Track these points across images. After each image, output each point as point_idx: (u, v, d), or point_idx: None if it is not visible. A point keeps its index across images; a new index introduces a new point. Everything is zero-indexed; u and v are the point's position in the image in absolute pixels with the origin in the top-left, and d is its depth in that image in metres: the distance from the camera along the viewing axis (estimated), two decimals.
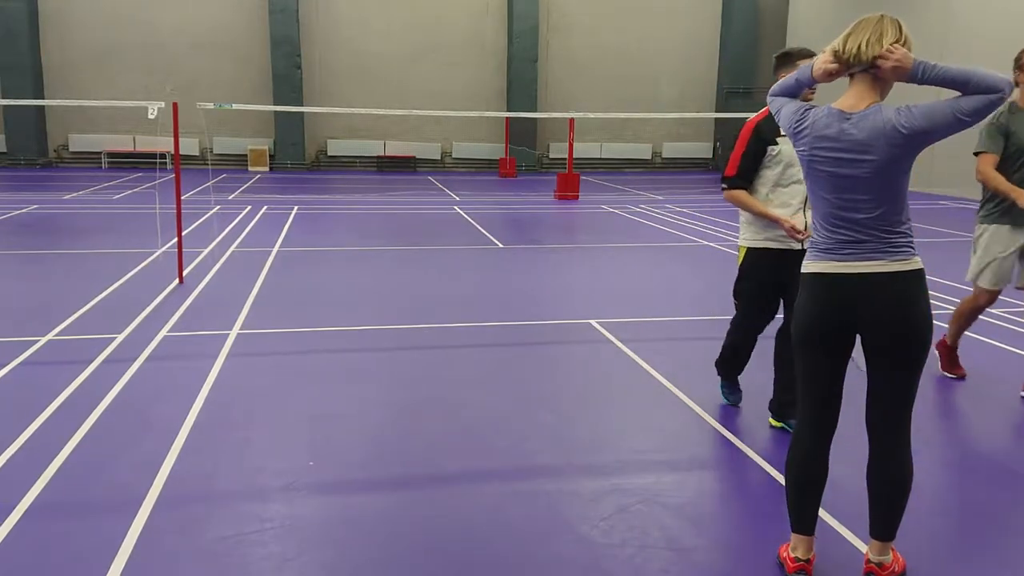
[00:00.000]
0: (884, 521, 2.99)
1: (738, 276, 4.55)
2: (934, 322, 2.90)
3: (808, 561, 3.04)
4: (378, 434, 4.46)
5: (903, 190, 2.82)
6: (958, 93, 2.68)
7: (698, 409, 4.87)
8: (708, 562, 3.20)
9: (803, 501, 3.05)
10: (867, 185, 2.79)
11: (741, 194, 4.32)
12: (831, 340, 2.93)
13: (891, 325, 2.83)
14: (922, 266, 2.85)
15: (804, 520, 3.05)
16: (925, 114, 2.72)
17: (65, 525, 3.40)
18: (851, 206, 2.82)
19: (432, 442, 4.35)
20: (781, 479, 3.93)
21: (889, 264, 2.81)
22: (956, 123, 2.69)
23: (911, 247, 2.83)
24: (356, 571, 3.12)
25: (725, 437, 4.46)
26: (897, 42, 2.79)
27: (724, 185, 4.35)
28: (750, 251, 4.43)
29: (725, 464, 4.14)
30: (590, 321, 6.88)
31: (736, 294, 4.61)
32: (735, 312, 4.69)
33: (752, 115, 4.36)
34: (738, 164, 4.29)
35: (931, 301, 2.88)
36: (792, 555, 3.06)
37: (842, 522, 3.51)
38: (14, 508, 3.51)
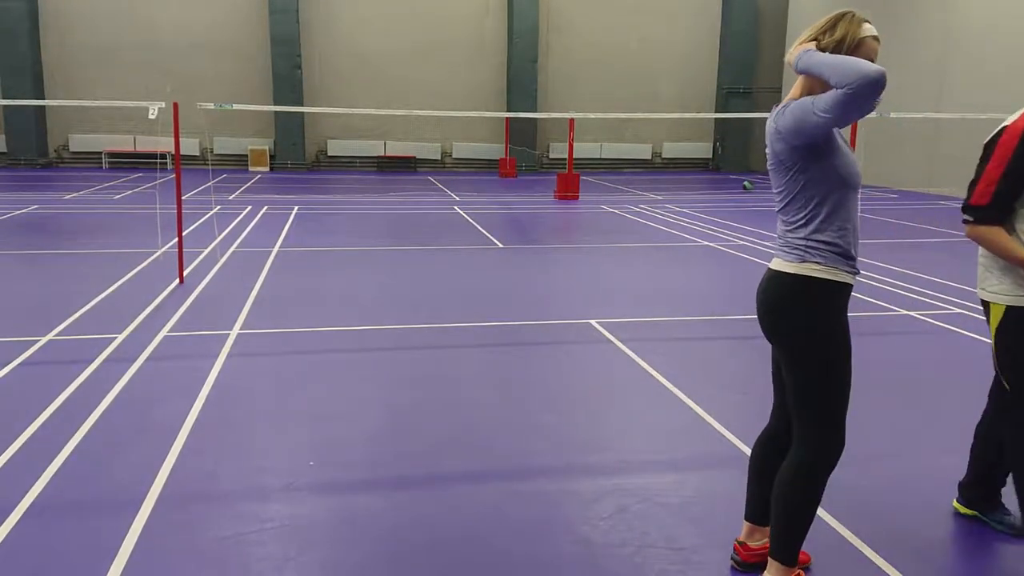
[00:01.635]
0: (759, 510, 3.03)
1: (1002, 345, 3.12)
2: (820, 334, 2.74)
3: (742, 544, 3.14)
4: (378, 434, 4.46)
5: (810, 191, 2.70)
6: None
7: (698, 409, 4.87)
8: (708, 562, 3.20)
9: (749, 479, 3.17)
10: (772, 176, 2.83)
11: (996, 233, 3.00)
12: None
13: (763, 321, 2.88)
14: (811, 274, 2.70)
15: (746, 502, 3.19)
16: (793, 110, 2.64)
17: (65, 525, 3.40)
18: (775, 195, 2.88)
19: (432, 442, 4.35)
20: None
21: (780, 263, 2.80)
22: (818, 120, 2.55)
23: (809, 251, 2.71)
24: (356, 571, 3.12)
25: (725, 437, 4.47)
26: (821, 36, 2.69)
27: (969, 217, 3.07)
28: (1010, 311, 3.07)
29: (725, 464, 4.14)
30: (590, 321, 6.88)
31: (1005, 368, 3.15)
32: (1007, 400, 3.20)
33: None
34: (995, 189, 2.98)
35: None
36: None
37: (842, 522, 3.51)
38: (14, 508, 3.51)
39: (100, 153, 23.64)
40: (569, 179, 17.42)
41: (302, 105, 23.53)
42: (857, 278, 2.80)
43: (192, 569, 3.10)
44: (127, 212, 13.85)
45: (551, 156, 26.21)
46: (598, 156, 26.51)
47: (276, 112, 23.30)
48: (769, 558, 2.91)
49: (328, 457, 4.13)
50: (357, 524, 3.46)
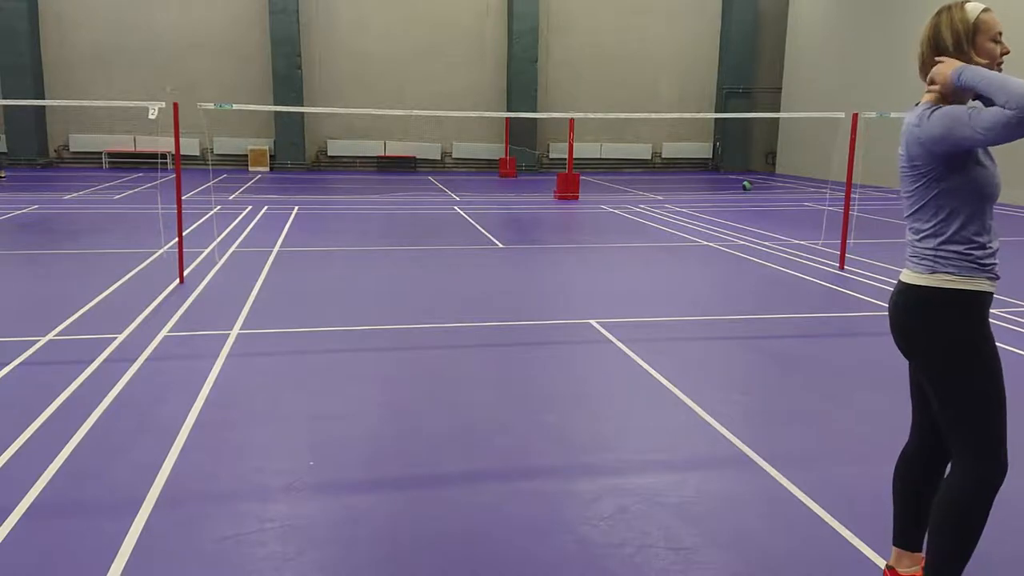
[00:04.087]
0: (907, 535, 2.84)
1: None
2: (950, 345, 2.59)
3: (891, 569, 2.97)
4: (378, 434, 4.46)
5: (942, 201, 2.57)
6: None
7: (698, 409, 4.87)
8: (708, 562, 3.20)
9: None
10: (903, 180, 2.68)
11: None
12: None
13: (898, 340, 2.73)
14: (943, 285, 2.58)
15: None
16: (944, 118, 2.49)
17: (65, 525, 3.40)
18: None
19: (432, 442, 4.35)
20: (780, 478, 3.94)
21: (910, 275, 2.67)
22: (973, 135, 2.42)
23: (939, 261, 2.58)
24: (356, 571, 3.12)
25: (725, 437, 4.47)
26: (938, 45, 2.59)
27: None
28: None
29: (725, 464, 4.14)
30: (590, 321, 6.88)
31: None
32: None
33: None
34: None
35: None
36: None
37: (843, 522, 3.51)
38: (14, 508, 3.51)
39: (100, 153, 23.64)
40: (569, 179, 17.42)
41: (302, 105, 23.53)
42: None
43: (192, 569, 3.10)
44: (127, 212, 13.84)
45: (551, 156, 26.21)
46: (598, 156, 26.51)
47: (276, 112, 23.30)
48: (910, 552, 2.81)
49: (328, 457, 4.13)
50: (357, 524, 3.46)
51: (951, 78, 2.53)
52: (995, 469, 2.61)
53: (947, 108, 2.51)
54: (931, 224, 2.61)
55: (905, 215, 2.72)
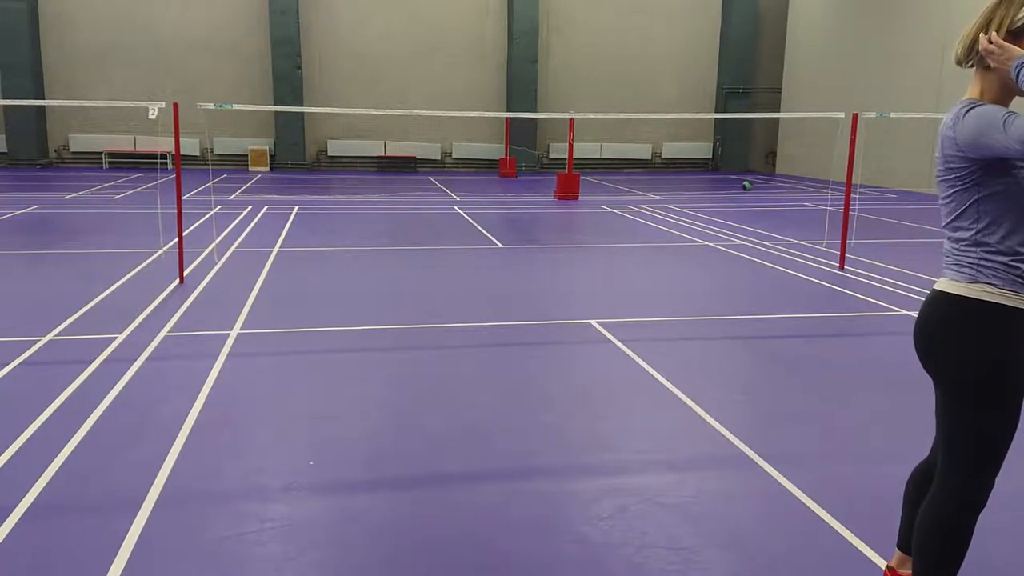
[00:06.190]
0: (911, 540, 2.69)
1: None
2: (974, 361, 2.43)
3: (891, 570, 2.93)
4: (378, 434, 4.46)
5: (983, 208, 2.40)
6: None
7: (698, 409, 4.87)
8: (707, 561, 3.20)
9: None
10: (940, 185, 2.51)
11: None
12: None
13: (920, 348, 2.57)
14: (983, 297, 2.41)
15: None
16: (977, 119, 2.32)
17: (65, 525, 3.40)
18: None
19: (432, 442, 4.35)
20: (780, 479, 3.94)
21: (947, 283, 2.49)
22: (1006, 143, 2.23)
23: (982, 270, 2.41)
24: (356, 571, 3.12)
25: (725, 437, 4.47)
26: (993, 21, 2.41)
27: None
28: None
29: (725, 464, 4.14)
30: (590, 321, 6.88)
31: None
32: None
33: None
34: None
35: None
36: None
37: (843, 523, 3.51)
38: (14, 508, 3.51)
39: (100, 153, 23.64)
40: (569, 179, 17.42)
41: (302, 105, 23.53)
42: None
43: (192, 569, 3.10)
44: (127, 212, 13.85)
45: (551, 156, 26.21)
46: (598, 156, 26.52)
47: (276, 112, 23.30)
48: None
49: (328, 457, 4.13)
50: (357, 524, 3.46)
51: (1014, 62, 2.33)
52: (984, 492, 2.53)
53: (983, 108, 2.35)
54: (971, 233, 2.44)
55: (943, 223, 2.54)
